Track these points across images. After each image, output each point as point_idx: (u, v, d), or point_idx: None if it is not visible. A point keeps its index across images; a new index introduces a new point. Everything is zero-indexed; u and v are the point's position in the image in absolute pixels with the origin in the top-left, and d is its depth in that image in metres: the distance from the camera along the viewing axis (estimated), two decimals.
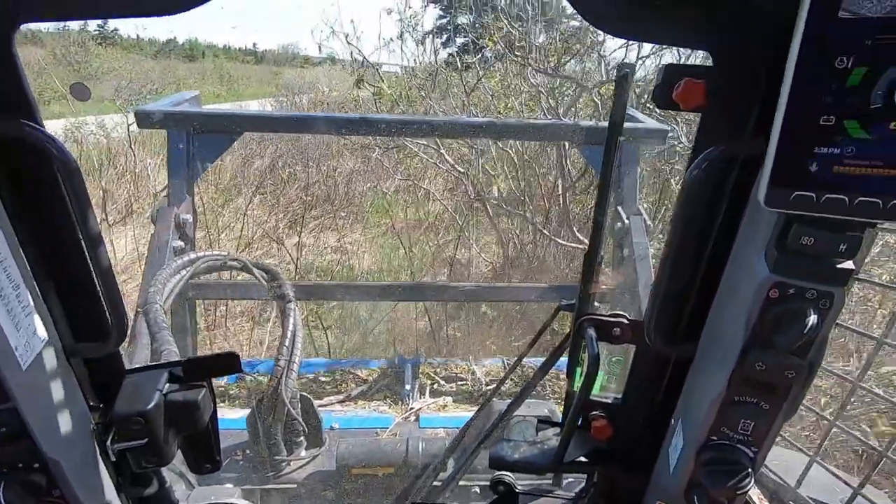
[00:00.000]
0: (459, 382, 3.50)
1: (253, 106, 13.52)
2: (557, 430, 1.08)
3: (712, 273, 0.74)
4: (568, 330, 1.08)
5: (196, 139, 2.59)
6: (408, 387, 3.02)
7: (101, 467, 0.76)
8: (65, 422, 0.65)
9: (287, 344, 2.07)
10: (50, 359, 0.63)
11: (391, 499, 1.86)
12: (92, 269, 0.65)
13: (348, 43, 6.38)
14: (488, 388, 3.50)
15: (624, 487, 0.99)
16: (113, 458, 0.77)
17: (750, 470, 0.68)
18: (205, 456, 0.92)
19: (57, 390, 0.64)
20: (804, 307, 0.57)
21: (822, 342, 0.63)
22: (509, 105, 6.30)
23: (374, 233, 6.83)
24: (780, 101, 0.49)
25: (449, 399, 3.21)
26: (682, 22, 0.63)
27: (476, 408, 3.12)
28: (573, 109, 5.92)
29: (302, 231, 5.87)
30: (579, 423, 0.98)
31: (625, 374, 0.97)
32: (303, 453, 2.20)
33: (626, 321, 0.90)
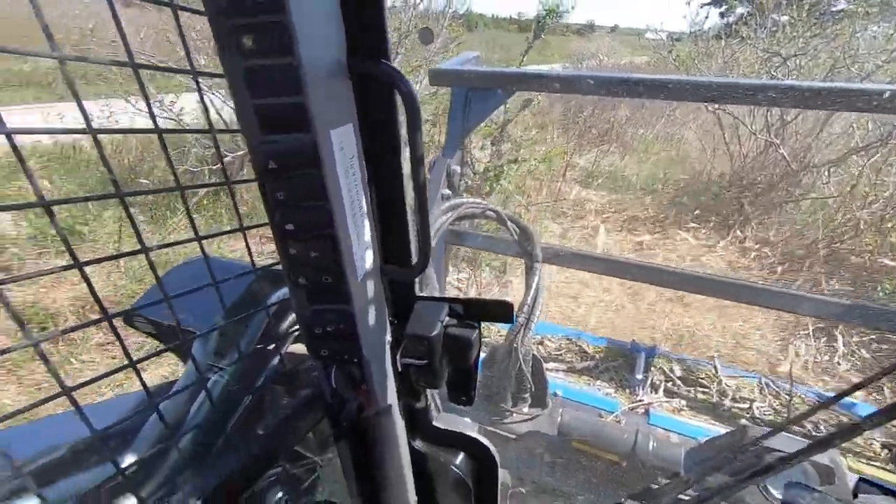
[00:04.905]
0: (700, 388, 3.06)
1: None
2: (888, 498, 0.79)
3: None
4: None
5: (472, 96, 2.78)
6: (639, 376, 2.78)
7: (390, 375, 0.87)
8: (377, 330, 0.75)
9: (529, 302, 2.11)
10: (374, 274, 0.73)
11: (616, 488, 1.76)
12: (415, 198, 0.70)
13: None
14: (736, 405, 2.97)
15: None
16: (399, 369, 0.87)
17: None
18: (464, 390, 0.98)
19: (376, 302, 0.74)
20: None
21: None
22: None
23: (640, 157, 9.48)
24: None
25: (684, 403, 2.85)
26: None
27: (718, 424, 2.69)
28: None
29: (591, 152, 9.15)
30: None
31: None
32: (525, 409, 2.26)
33: None
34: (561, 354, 3.35)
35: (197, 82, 0.58)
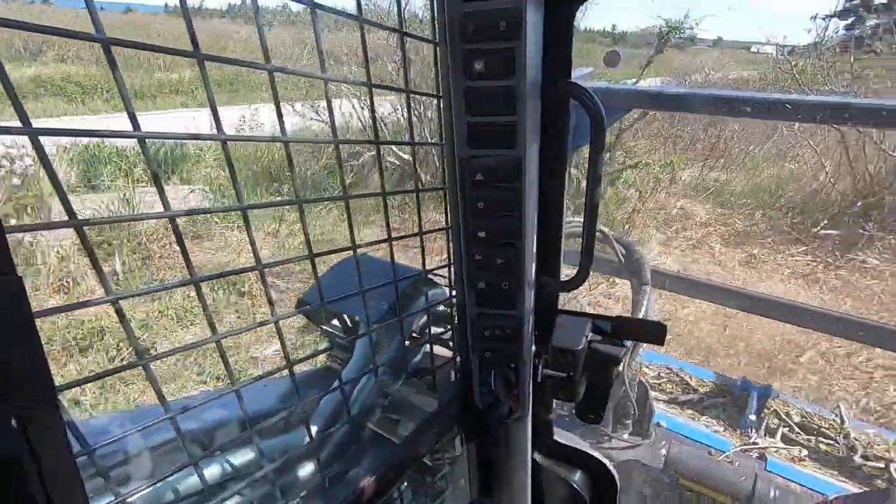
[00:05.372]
0: (822, 439, 2.74)
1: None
2: None
3: None
4: None
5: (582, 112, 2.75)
6: (752, 417, 2.55)
7: (531, 384, 0.89)
8: (530, 338, 0.77)
9: None
10: (533, 285, 0.75)
11: None
12: (588, 216, 0.72)
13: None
14: (868, 463, 2.62)
15: None
16: (539, 380, 0.89)
17: None
18: (594, 409, 0.98)
19: (531, 311, 0.76)
20: None
21: None
22: None
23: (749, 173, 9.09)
24: None
25: (805, 453, 2.57)
26: None
27: (847, 482, 2.40)
28: None
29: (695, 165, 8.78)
30: None
31: None
32: (625, 436, 2.17)
33: None
34: (660, 384, 3.17)
35: (408, 99, 0.65)
